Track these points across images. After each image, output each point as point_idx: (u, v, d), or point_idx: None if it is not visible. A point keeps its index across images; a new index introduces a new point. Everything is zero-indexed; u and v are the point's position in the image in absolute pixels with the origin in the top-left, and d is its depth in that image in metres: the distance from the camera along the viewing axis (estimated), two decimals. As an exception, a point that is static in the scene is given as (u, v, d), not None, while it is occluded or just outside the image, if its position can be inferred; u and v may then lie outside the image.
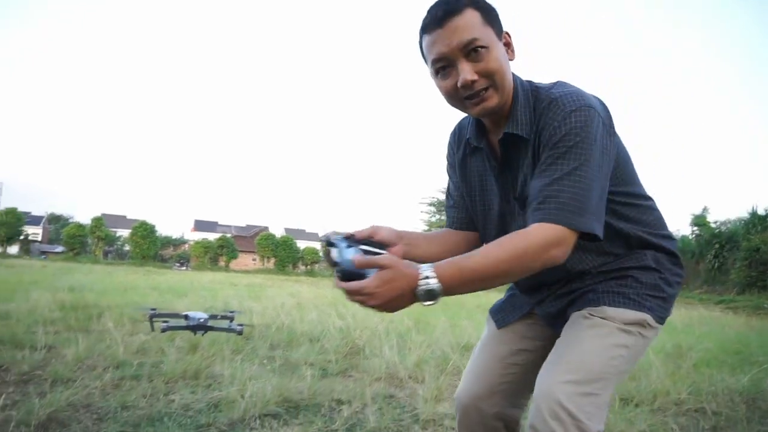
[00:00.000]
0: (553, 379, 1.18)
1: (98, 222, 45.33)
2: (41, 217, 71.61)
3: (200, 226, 76.00)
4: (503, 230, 1.35)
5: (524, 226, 1.19)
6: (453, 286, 1.07)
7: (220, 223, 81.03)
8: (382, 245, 1.21)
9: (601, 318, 1.28)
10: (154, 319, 3.49)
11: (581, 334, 1.27)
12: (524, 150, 1.29)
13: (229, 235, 51.54)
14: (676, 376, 4.21)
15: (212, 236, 52.31)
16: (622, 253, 1.36)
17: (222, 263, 45.78)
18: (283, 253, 47.00)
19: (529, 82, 1.33)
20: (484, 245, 1.18)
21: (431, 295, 1.05)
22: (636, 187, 1.39)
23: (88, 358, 4.21)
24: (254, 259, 50.78)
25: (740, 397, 3.94)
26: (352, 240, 1.18)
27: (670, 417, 3.32)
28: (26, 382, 3.50)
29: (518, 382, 1.46)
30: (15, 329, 5.04)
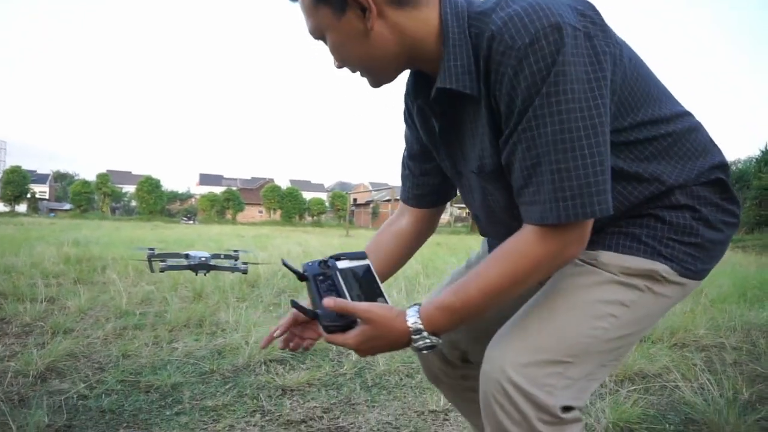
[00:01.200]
0: (507, 343, 0.93)
1: (104, 178, 45.34)
2: (47, 176, 71.71)
3: (205, 179, 75.94)
4: (485, 204, 1.07)
5: (501, 201, 1.00)
6: (449, 328, 0.92)
7: (225, 176, 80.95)
8: (362, 254, 1.02)
9: (591, 265, 0.96)
10: (152, 260, 3.35)
11: (559, 286, 0.97)
12: (473, 109, 0.93)
13: (234, 188, 51.54)
14: (694, 313, 4.09)
15: (218, 190, 52.34)
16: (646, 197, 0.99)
17: (228, 216, 45.98)
18: (288, 205, 47.12)
19: (469, 6, 0.91)
20: (475, 268, 0.91)
21: (431, 348, 0.93)
22: (656, 108, 0.96)
23: (90, 309, 4.13)
24: (260, 211, 51.02)
25: (759, 331, 3.83)
26: (324, 266, 0.97)
27: (691, 353, 3.21)
28: (27, 334, 3.42)
29: (491, 319, 1.05)
30: (18, 282, 4.97)
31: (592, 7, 0.86)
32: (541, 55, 0.79)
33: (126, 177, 69.73)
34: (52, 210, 50.22)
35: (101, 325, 3.58)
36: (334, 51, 0.94)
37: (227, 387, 2.50)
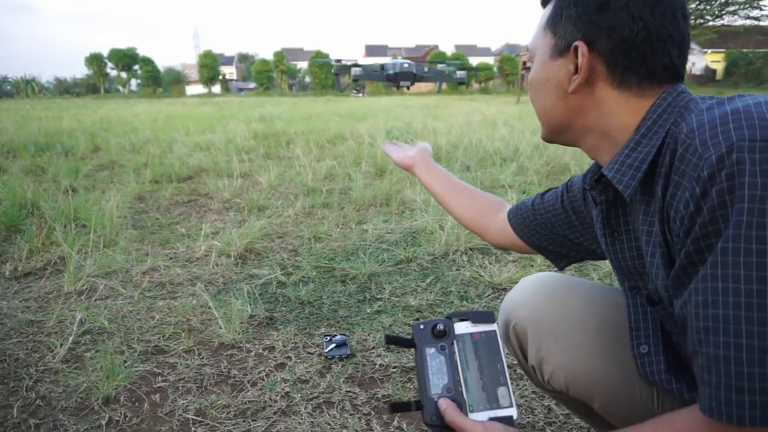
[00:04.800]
0: None
1: (280, 56, 47.86)
2: (233, 57, 78.20)
3: (371, 51, 76.12)
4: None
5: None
6: None
7: (390, 46, 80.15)
8: (489, 315, 0.78)
9: None
10: (340, 73, 2.99)
11: None
12: (642, 212, 0.71)
13: (400, 57, 50.81)
14: None
15: (384, 60, 52.15)
16: None
17: (395, 87, 45.99)
18: (455, 72, 45.28)
19: (691, 101, 0.66)
20: None
21: None
22: None
23: (279, 185, 4.15)
24: (426, 81, 50.03)
25: None
26: (439, 332, 0.76)
27: None
28: (227, 210, 3.51)
29: None
30: (216, 158, 5.25)
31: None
32: (720, 187, 0.55)
33: (299, 53, 72.90)
34: (241, 89, 55.28)
35: (291, 203, 3.53)
36: (531, 76, 0.79)
37: (428, 281, 2.19)
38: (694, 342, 0.61)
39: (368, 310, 1.94)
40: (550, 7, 0.75)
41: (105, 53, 49.26)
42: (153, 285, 2.23)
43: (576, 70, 0.71)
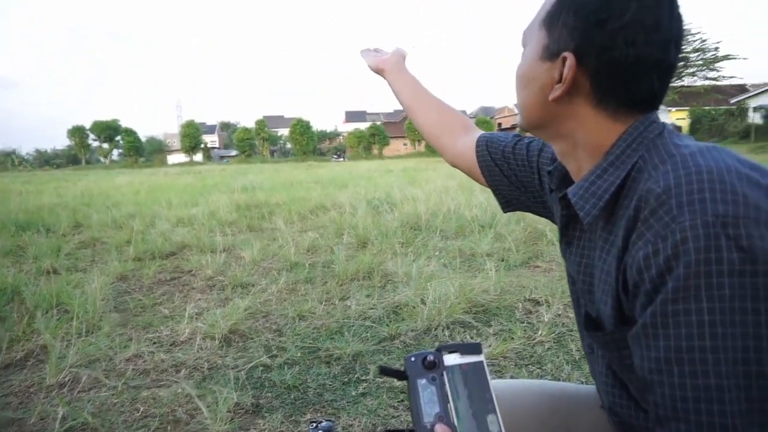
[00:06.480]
0: None
1: (261, 124, 48.96)
2: (215, 126, 79.64)
3: (350, 117, 78.28)
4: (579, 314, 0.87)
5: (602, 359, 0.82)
6: None
7: (368, 111, 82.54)
8: (476, 346, 0.79)
9: None
10: None
11: None
12: (602, 238, 0.74)
13: (378, 123, 52.30)
14: None
15: (363, 125, 53.55)
16: None
17: (375, 151, 47.02)
18: (432, 135, 46.56)
19: (659, 136, 0.69)
20: None
21: None
22: None
23: (263, 260, 4.19)
24: (405, 144, 51.34)
25: None
26: (429, 363, 0.78)
27: None
28: (210, 288, 3.52)
29: None
30: (199, 233, 5.29)
31: (746, 188, 0.59)
32: (686, 255, 0.57)
33: (279, 121, 74.56)
34: (223, 157, 55.92)
35: (274, 279, 3.57)
36: (519, 67, 0.80)
37: (412, 359, 2.22)
38: (651, 392, 0.63)
39: (353, 393, 1.96)
40: (552, 0, 0.73)
41: (87, 125, 49.81)
42: (137, 373, 2.22)
43: (560, 79, 0.71)
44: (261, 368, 2.21)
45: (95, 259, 4.54)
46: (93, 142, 51.05)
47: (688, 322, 0.57)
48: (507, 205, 1.08)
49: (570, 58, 0.68)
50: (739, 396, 0.55)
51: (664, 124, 0.71)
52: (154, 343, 2.55)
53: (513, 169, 1.02)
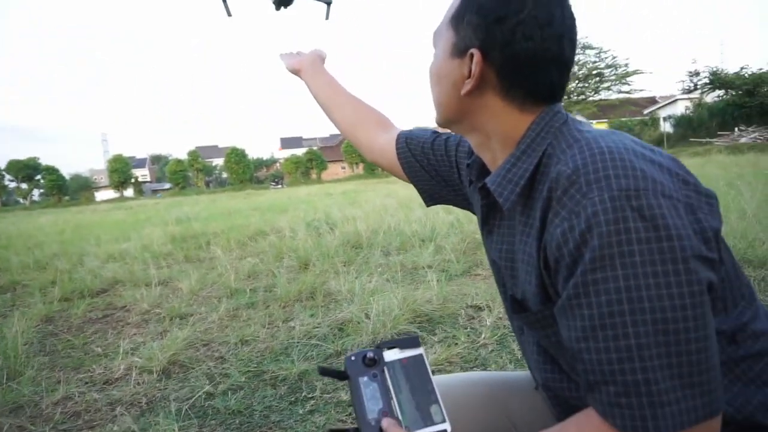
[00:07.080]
0: None
1: (194, 155, 47.74)
2: (145, 159, 76.83)
3: (286, 143, 77.72)
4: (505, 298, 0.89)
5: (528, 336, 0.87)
6: None
7: (304, 137, 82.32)
8: (415, 340, 0.84)
9: None
10: None
11: None
12: (521, 222, 0.78)
13: (315, 148, 52.26)
14: None
15: (299, 152, 53.32)
16: None
17: (313, 176, 46.86)
18: (370, 157, 47.01)
19: (564, 124, 0.75)
20: None
21: None
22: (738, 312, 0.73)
23: (201, 289, 4.06)
24: (343, 167, 51.49)
25: None
26: (370, 360, 0.81)
27: None
28: (146, 322, 3.37)
29: None
30: (132, 268, 5.07)
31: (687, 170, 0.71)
32: (600, 232, 0.62)
33: (213, 151, 72.99)
34: (155, 190, 53.94)
35: (214, 307, 3.46)
36: (431, 66, 0.85)
37: (359, 373, 2.21)
38: (582, 361, 0.65)
39: (301, 411, 1.93)
40: (457, 2, 0.77)
41: (2, 165, 46.85)
42: (66, 416, 2.08)
43: (470, 74, 0.75)
44: (204, 396, 2.13)
45: (16, 303, 4.23)
46: (10, 182, 47.98)
47: (606, 289, 0.61)
48: (430, 199, 1.12)
49: (476, 54, 0.73)
50: (659, 352, 0.59)
51: (567, 114, 0.77)
52: (86, 383, 2.40)
53: (433, 164, 1.05)
